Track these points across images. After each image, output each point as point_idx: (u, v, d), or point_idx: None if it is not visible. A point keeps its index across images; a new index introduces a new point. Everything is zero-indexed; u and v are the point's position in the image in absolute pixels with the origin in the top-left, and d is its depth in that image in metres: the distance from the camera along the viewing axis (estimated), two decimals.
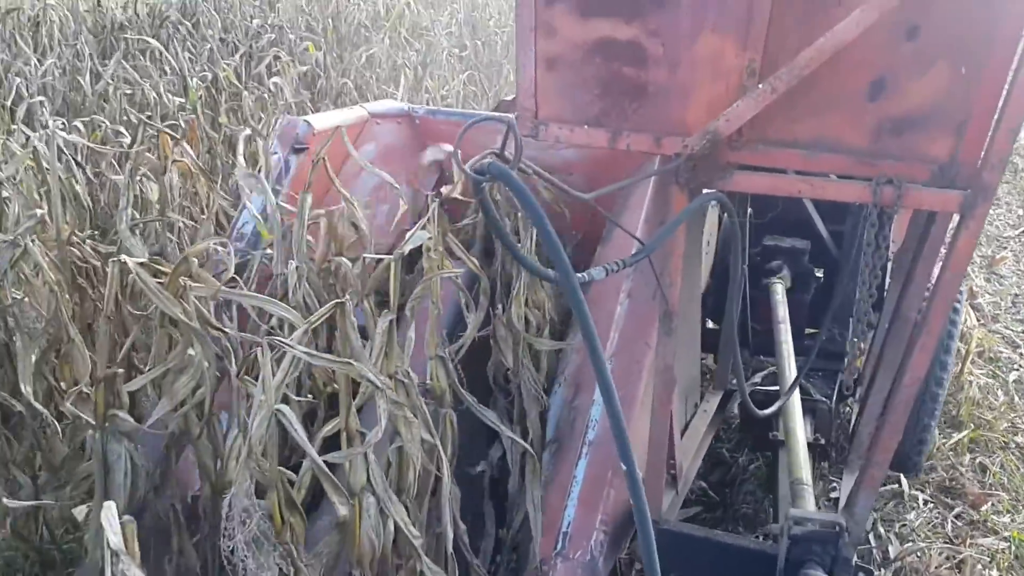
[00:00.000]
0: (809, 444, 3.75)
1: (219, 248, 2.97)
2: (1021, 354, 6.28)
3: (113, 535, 1.65)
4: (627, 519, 2.94)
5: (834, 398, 4.30)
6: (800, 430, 3.41)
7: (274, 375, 2.22)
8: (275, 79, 7.10)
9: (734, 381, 4.50)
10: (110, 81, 6.69)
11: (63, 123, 4.87)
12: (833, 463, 4.39)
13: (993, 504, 4.65)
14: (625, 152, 2.54)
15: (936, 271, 2.61)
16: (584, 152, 3.77)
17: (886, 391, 3.02)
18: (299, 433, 2.25)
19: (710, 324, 4.56)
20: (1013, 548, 4.36)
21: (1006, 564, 4.25)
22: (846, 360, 4.42)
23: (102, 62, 7.38)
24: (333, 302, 2.43)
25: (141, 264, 2.53)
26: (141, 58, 7.50)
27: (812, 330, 4.57)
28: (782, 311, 4.05)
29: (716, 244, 4.05)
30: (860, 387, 4.18)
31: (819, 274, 4.54)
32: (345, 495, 2.38)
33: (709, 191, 2.40)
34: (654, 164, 2.71)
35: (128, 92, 6.57)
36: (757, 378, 4.86)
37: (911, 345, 2.57)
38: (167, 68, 7.39)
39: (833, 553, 2.71)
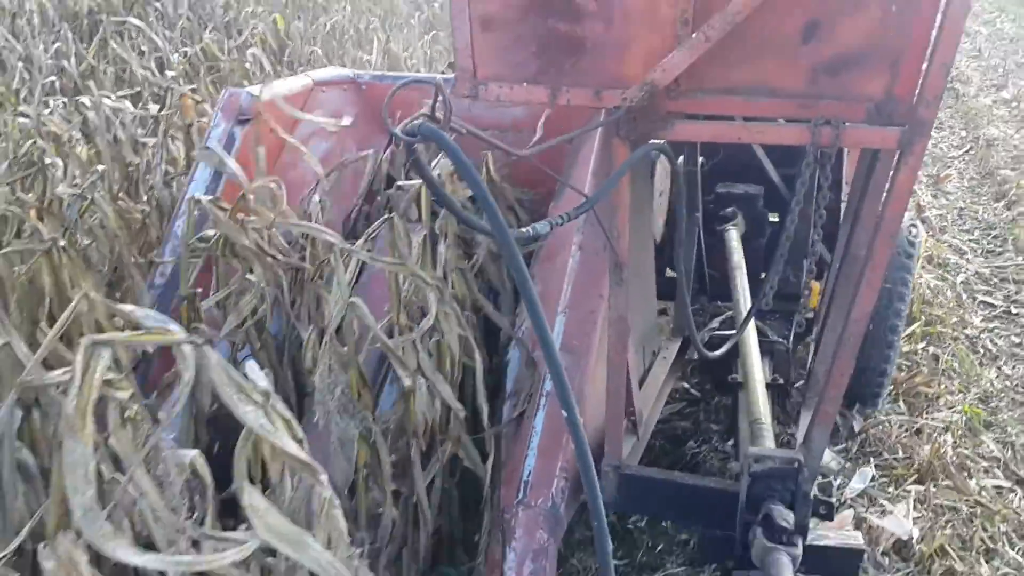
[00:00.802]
0: (768, 385, 3.81)
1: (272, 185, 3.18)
2: (967, 260, 6.88)
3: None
4: None
5: (791, 339, 4.36)
6: (758, 371, 3.46)
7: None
8: (252, 50, 7.42)
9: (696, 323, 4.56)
10: (93, 63, 7.12)
11: (63, 101, 5.84)
12: (792, 403, 4.47)
13: (946, 385, 5.09)
14: (571, 108, 2.55)
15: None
16: (533, 110, 3.78)
17: (839, 329, 3.07)
18: (369, 318, 2.73)
19: (669, 273, 4.59)
20: (963, 420, 4.79)
21: (959, 432, 4.69)
22: (800, 300, 4.50)
23: (84, 46, 7.63)
24: (383, 218, 2.93)
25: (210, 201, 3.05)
26: (120, 39, 7.67)
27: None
28: (737, 256, 4.08)
29: (670, 194, 4.07)
30: (815, 327, 4.25)
31: (773, 219, 4.57)
32: (408, 369, 2.78)
33: (651, 142, 2.41)
34: (599, 118, 2.72)
35: (116, 70, 7.06)
36: (715, 323, 4.91)
37: (858, 282, 2.61)
38: (144, 47, 7.51)
39: (793, 488, 2.77)
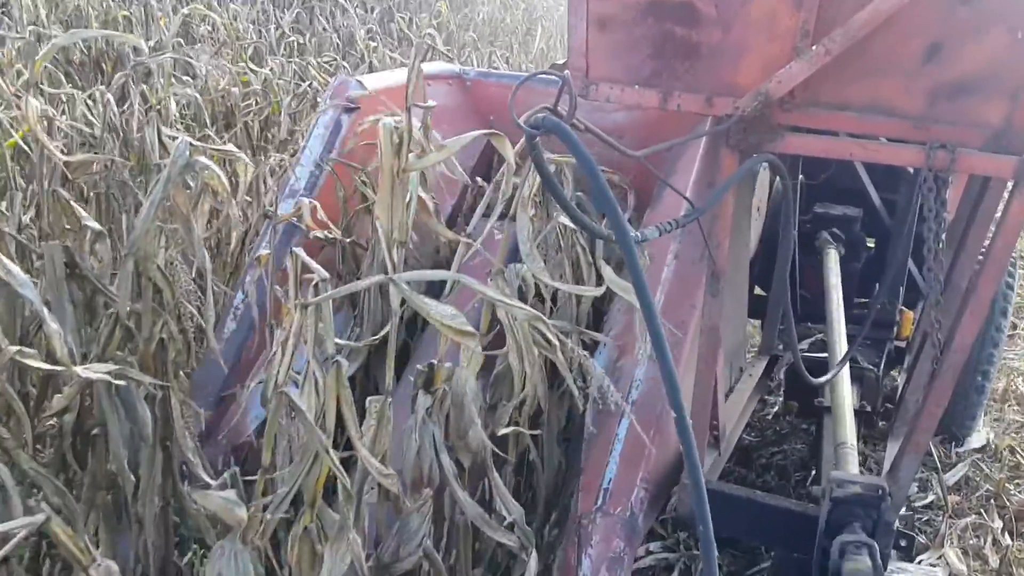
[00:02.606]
0: (856, 411, 3.75)
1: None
2: None
3: None
4: (667, 478, 2.97)
5: (881, 366, 4.28)
6: (847, 395, 3.41)
7: None
8: (430, 30, 7.61)
9: (781, 347, 4.49)
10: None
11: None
12: (878, 431, 4.39)
13: None
14: (675, 115, 2.54)
15: (988, 239, 2.60)
16: (634, 115, 3.77)
17: (934, 359, 3.01)
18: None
19: (757, 291, 4.54)
20: None
21: None
22: (895, 329, 4.41)
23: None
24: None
25: None
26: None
27: (861, 299, 4.54)
28: (834, 278, 4.02)
29: (766, 210, 4.03)
30: (908, 356, 4.16)
31: (870, 244, 4.51)
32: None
33: (760, 154, 2.39)
34: (705, 126, 2.71)
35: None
36: (804, 345, 4.84)
37: (960, 313, 2.56)
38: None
39: (875, 517, 2.72)
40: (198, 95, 4.93)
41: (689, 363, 2.93)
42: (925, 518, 4.28)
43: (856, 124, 2.27)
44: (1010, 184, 2.29)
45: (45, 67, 4.41)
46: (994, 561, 3.92)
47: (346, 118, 3.54)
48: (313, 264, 2.24)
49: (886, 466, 3.16)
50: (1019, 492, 4.43)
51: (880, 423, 4.30)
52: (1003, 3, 2.07)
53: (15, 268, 2.17)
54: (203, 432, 2.88)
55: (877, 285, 4.37)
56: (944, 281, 3.28)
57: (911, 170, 3.78)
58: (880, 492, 2.71)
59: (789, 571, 3.09)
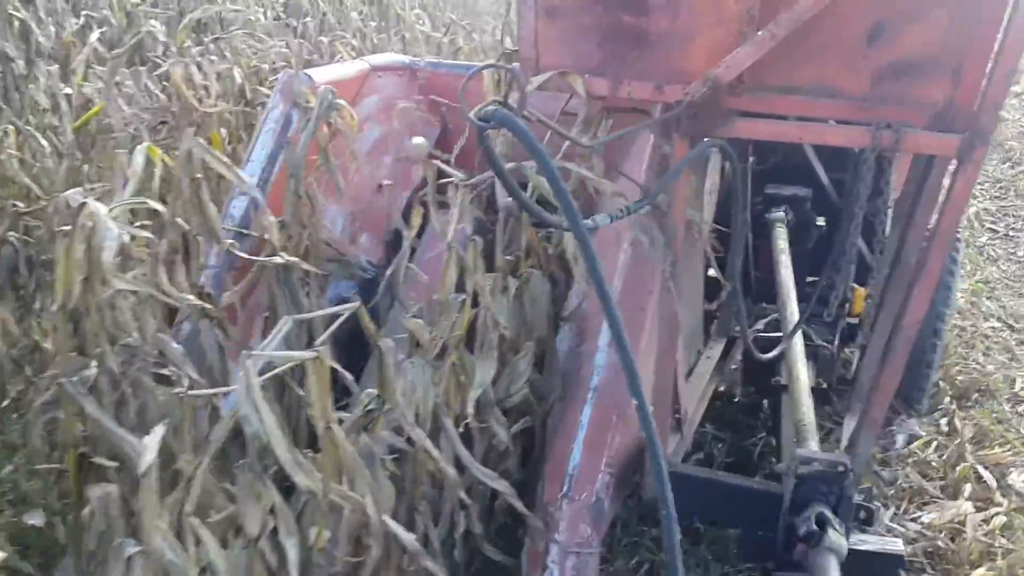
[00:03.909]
0: (811, 389, 3.80)
1: None
2: (978, 201, 8.58)
3: None
4: (631, 462, 2.99)
5: (836, 343, 4.34)
6: (803, 374, 3.45)
7: None
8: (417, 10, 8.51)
9: (737, 328, 4.54)
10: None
11: None
12: (834, 407, 4.45)
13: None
14: (626, 100, 2.55)
15: (935, 216, 2.65)
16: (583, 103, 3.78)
17: (887, 335, 3.07)
18: None
19: (711, 272, 4.58)
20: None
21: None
22: (846, 306, 4.47)
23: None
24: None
25: None
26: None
27: (813, 278, 4.60)
28: (785, 258, 4.07)
29: (718, 193, 4.07)
30: (861, 332, 4.22)
31: (820, 222, 4.55)
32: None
33: (710, 139, 2.42)
34: (655, 114, 2.73)
35: None
36: (760, 325, 4.89)
37: (910, 289, 2.60)
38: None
39: (838, 492, 2.76)
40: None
41: (648, 349, 2.96)
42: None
43: (803, 107, 2.30)
44: (954, 162, 2.33)
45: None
46: None
47: (295, 113, 3.51)
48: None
49: (844, 441, 3.21)
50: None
51: (835, 400, 4.37)
52: None
53: None
54: None
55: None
56: (893, 258, 3.34)
57: (856, 150, 3.84)
58: (842, 468, 2.76)
59: (754, 550, 3.14)
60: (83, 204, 2.33)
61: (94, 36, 5.41)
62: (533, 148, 1.78)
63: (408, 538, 2.43)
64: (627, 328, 2.98)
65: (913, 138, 2.25)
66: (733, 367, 4.54)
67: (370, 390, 2.49)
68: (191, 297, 2.73)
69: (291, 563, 2.12)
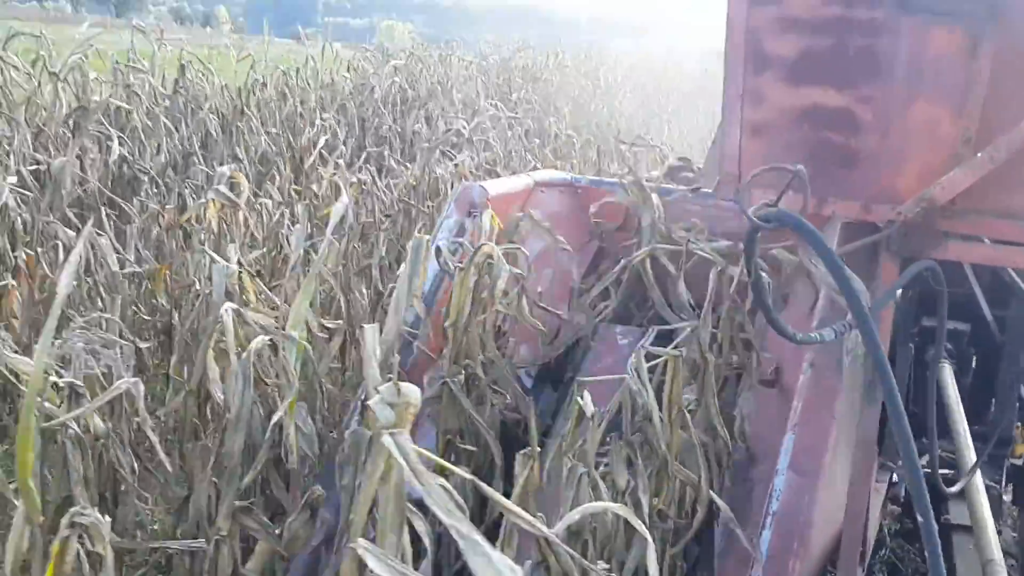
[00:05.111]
0: None
1: None
2: None
3: None
4: None
5: (1002, 483, 4.15)
6: (988, 511, 3.28)
7: None
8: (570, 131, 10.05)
9: (899, 463, 4.37)
10: None
11: None
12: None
13: None
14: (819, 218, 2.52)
15: None
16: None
17: None
18: None
19: None
20: None
21: None
22: (1011, 446, 4.28)
23: None
24: None
25: None
26: None
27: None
28: (952, 392, 3.92)
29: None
30: None
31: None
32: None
33: (921, 260, 2.36)
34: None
35: None
36: (922, 461, 4.71)
37: None
38: None
39: None
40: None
41: (831, 476, 2.85)
42: None
43: (1021, 232, 2.24)
44: None
45: None
46: None
47: (469, 222, 3.58)
48: None
49: None
50: None
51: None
52: None
53: None
54: None
55: (994, 401, 4.25)
56: None
57: None
58: None
59: None
60: None
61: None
62: (820, 247, 1.75)
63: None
64: (807, 453, 2.92)
65: None
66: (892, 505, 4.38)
67: None
68: None
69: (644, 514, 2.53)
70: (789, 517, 2.78)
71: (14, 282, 4.00)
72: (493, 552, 1.30)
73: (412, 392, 1.64)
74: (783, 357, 3.05)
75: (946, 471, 3.87)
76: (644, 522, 2.45)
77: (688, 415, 3.02)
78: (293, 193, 5.89)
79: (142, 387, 2.55)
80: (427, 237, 3.36)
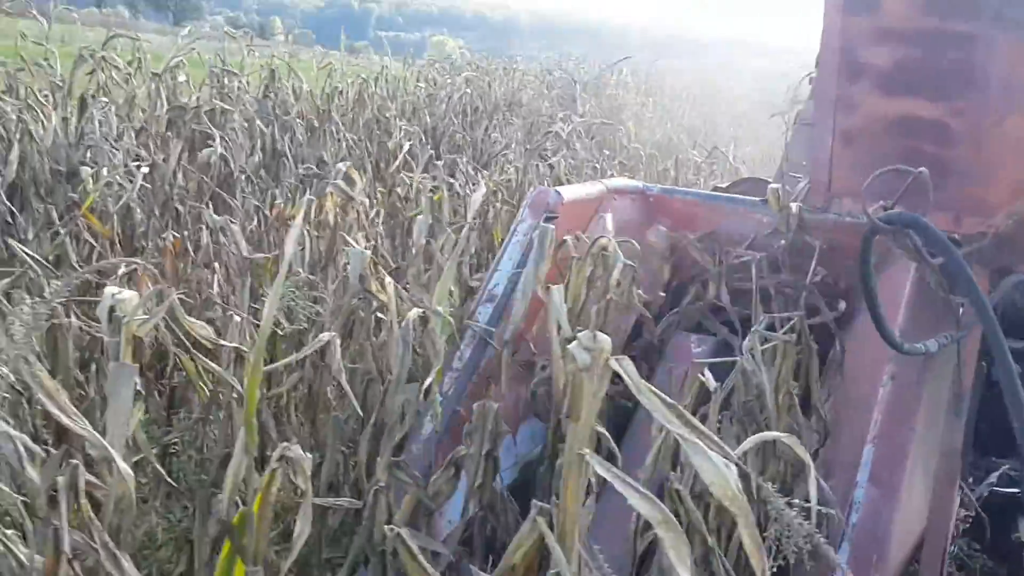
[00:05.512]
0: None
1: None
2: None
3: None
4: None
5: None
6: None
7: None
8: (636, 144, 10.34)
9: (971, 480, 4.31)
10: None
11: None
12: None
13: None
14: None
15: None
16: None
17: None
18: None
19: None
20: None
21: None
22: None
23: None
24: None
25: None
26: None
27: None
28: None
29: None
30: None
31: None
32: None
33: (1016, 273, 2.35)
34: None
35: None
36: (992, 478, 4.65)
37: None
38: None
39: None
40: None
41: (910, 490, 2.83)
42: None
43: None
44: None
45: None
46: None
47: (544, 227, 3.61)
48: None
49: None
50: None
51: None
52: None
53: None
54: None
55: None
56: None
57: None
58: None
59: None
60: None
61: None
62: (947, 250, 1.75)
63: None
64: (887, 467, 2.89)
65: None
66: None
67: None
68: None
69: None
70: (869, 531, 2.76)
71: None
72: (711, 452, 1.54)
73: (605, 340, 1.77)
74: (860, 368, 3.03)
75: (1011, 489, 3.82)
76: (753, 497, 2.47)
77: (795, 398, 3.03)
78: (378, 195, 6.01)
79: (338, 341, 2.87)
80: (552, 227, 3.41)
